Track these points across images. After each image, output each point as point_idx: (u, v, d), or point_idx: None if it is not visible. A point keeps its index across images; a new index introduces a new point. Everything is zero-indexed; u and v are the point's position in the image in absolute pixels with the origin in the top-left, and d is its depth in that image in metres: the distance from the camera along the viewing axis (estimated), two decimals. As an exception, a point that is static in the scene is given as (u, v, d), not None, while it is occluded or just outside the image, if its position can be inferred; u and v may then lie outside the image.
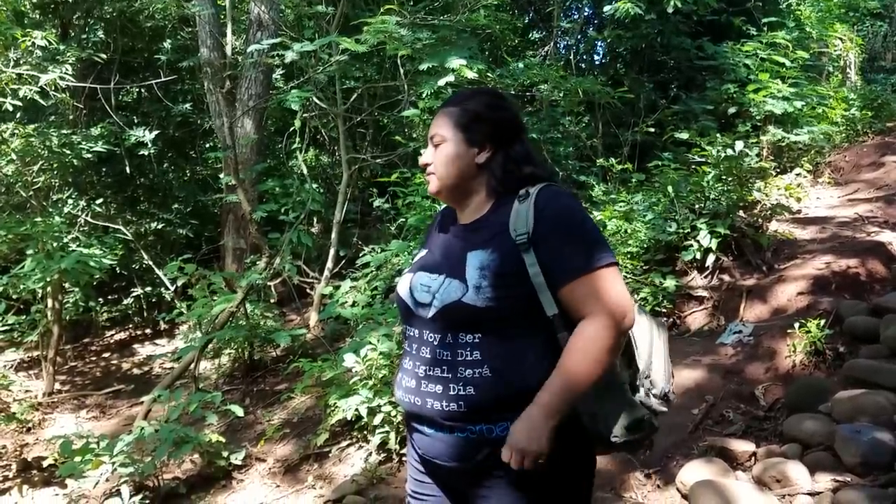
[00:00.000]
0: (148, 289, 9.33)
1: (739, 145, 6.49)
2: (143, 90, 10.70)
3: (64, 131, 8.16)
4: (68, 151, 7.87)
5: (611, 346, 1.66)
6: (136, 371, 8.29)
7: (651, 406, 1.83)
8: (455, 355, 1.73)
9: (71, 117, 9.37)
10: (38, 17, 9.73)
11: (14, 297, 7.34)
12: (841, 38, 11.24)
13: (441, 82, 6.18)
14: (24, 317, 7.77)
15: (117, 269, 8.76)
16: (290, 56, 6.03)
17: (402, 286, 1.92)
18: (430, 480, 1.92)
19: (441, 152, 1.89)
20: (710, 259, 5.85)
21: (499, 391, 1.70)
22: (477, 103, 1.91)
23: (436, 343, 1.77)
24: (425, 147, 1.96)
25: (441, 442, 1.79)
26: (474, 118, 1.87)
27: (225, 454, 4.95)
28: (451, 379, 1.73)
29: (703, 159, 6.64)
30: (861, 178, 8.06)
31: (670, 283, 5.66)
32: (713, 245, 5.77)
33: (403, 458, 4.42)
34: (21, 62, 7.60)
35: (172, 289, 7.95)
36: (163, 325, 9.14)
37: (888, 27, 16.11)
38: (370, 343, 4.65)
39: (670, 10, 9.14)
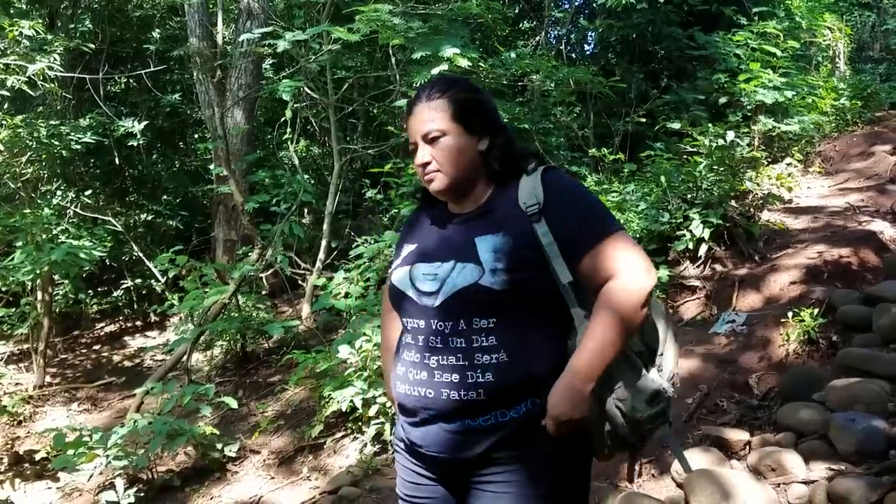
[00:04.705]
0: (138, 281, 9.27)
1: (731, 135, 6.50)
2: (131, 80, 10.62)
3: (52, 122, 8.07)
4: (57, 142, 7.79)
5: (638, 303, 1.68)
6: (127, 363, 8.26)
7: (662, 385, 1.77)
8: (470, 342, 1.70)
9: (59, 108, 9.28)
10: (24, 6, 9.62)
11: (3, 289, 7.28)
12: (830, 28, 11.25)
13: (434, 71, 6.15)
14: (13, 309, 7.73)
15: (107, 260, 8.72)
16: (281, 45, 5.99)
17: (399, 277, 1.85)
18: (426, 482, 1.86)
19: (443, 147, 1.79)
20: (703, 249, 5.86)
21: (517, 376, 1.69)
22: (461, 92, 1.82)
23: (447, 331, 1.72)
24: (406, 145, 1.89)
25: (448, 434, 1.74)
26: (467, 107, 1.81)
27: (219, 446, 4.95)
28: (467, 366, 1.69)
29: (695, 149, 6.65)
30: (851, 167, 8.09)
31: (663, 272, 5.66)
32: (705, 235, 5.78)
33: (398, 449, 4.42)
34: (8, 52, 7.52)
35: (163, 280, 7.91)
36: (153, 318, 9.11)
37: (876, 17, 16.16)
38: (364, 334, 4.64)
39: (661, 0, 9.11)
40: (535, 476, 1.71)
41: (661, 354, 1.81)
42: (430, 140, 1.79)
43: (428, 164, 1.81)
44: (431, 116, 1.79)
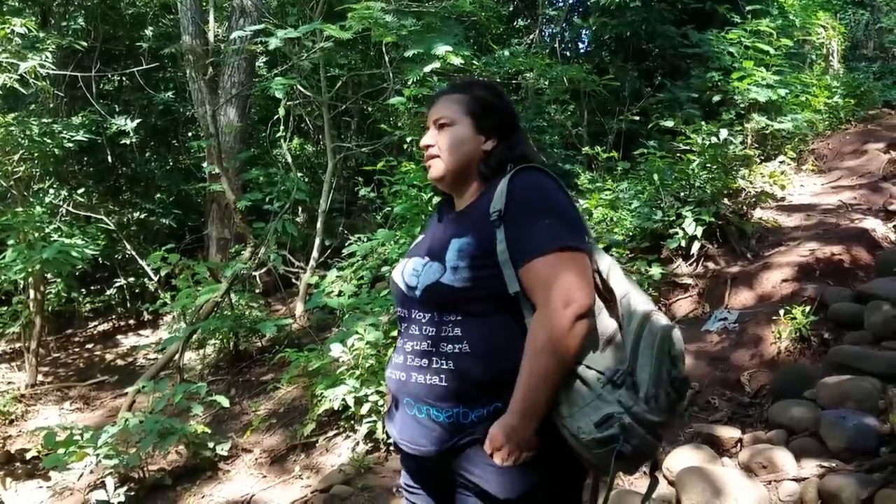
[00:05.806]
0: (131, 279, 9.26)
1: (724, 133, 6.50)
2: (124, 78, 10.59)
3: (44, 120, 8.05)
4: (49, 140, 7.76)
5: (560, 337, 1.62)
6: (119, 362, 8.24)
7: (630, 407, 1.62)
8: (439, 331, 1.78)
9: (51, 106, 9.25)
10: (17, 4, 9.59)
11: (-5, 288, 7.27)
12: (824, 26, 11.24)
13: (427, 69, 6.14)
14: (5, 308, 7.71)
15: (100, 259, 8.70)
16: (273, 43, 5.98)
17: (395, 271, 1.97)
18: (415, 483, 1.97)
19: (448, 135, 1.89)
20: (696, 246, 5.86)
21: (476, 369, 1.73)
22: (484, 92, 1.94)
23: (424, 321, 1.82)
24: (413, 132, 1.94)
25: (417, 424, 1.81)
26: (485, 106, 1.90)
27: (211, 445, 4.93)
28: (434, 353, 1.78)
29: (688, 147, 6.64)
30: (844, 165, 8.09)
31: (656, 270, 5.66)
32: (698, 233, 5.78)
33: (391, 448, 4.42)
34: (0, 50, 7.49)
35: (156, 279, 7.90)
36: (146, 316, 9.09)
37: (870, 15, 16.16)
38: (357, 333, 4.63)
39: (655, -2, 9.12)
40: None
41: (631, 374, 1.67)
42: (440, 126, 1.92)
43: (430, 147, 1.93)
44: (448, 106, 1.92)
